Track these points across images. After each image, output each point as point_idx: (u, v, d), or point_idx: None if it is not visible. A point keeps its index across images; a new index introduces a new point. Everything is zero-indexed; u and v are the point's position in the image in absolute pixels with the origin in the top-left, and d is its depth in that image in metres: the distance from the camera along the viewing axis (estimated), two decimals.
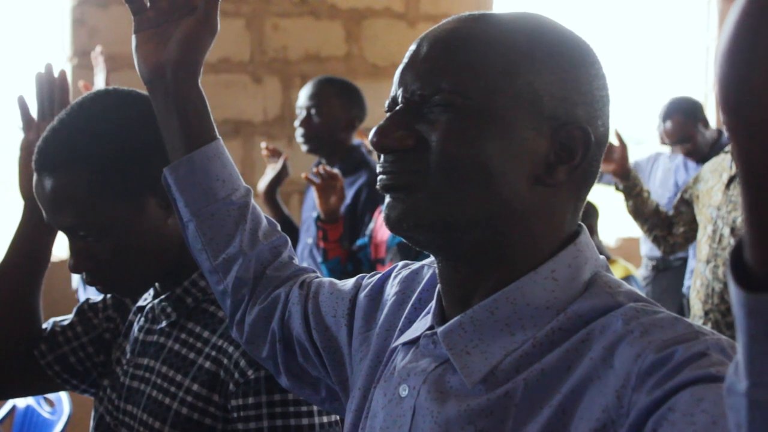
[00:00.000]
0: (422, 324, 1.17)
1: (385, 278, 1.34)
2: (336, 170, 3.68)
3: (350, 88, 4.11)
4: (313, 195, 3.92)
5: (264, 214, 1.47)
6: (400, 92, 1.09)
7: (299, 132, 4.00)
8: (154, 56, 1.40)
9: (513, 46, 1.06)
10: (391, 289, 1.31)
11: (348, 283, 1.39)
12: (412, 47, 1.11)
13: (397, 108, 1.09)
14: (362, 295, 1.34)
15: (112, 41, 5.28)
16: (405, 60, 1.11)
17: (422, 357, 1.12)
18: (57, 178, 1.60)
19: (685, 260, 5.28)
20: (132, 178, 1.59)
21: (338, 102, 3.99)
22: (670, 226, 4.02)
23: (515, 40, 1.06)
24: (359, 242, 3.66)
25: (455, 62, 1.05)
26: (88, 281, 1.68)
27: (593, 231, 4.42)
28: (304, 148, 4.04)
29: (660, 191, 5.66)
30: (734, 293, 0.58)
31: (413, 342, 1.16)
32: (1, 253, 1.92)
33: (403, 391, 1.12)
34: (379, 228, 3.55)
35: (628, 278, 4.13)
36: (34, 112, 1.94)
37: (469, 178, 1.04)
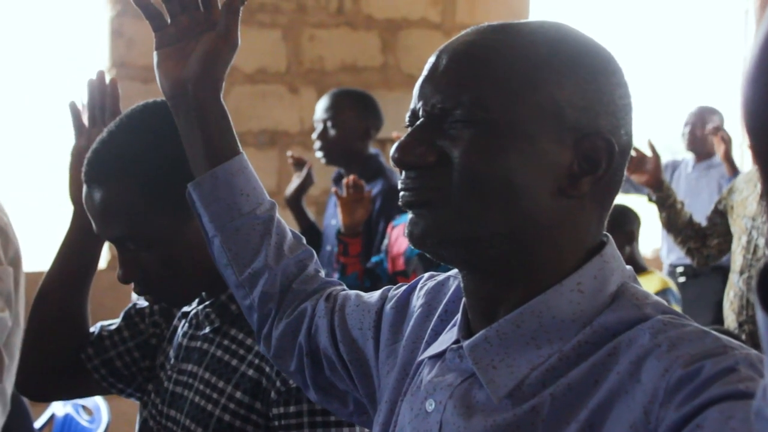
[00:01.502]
0: (448, 337, 1.16)
1: (411, 290, 1.34)
2: (363, 181, 3.71)
3: (364, 97, 4.17)
4: (334, 202, 3.97)
5: (289, 227, 1.47)
6: (420, 105, 1.09)
7: (317, 145, 4.07)
8: (175, 72, 1.40)
9: (533, 57, 1.05)
10: (417, 301, 1.30)
11: (374, 296, 1.39)
12: (431, 59, 1.10)
13: (418, 123, 1.08)
14: (388, 307, 1.34)
15: (150, 52, 5.30)
16: (424, 73, 1.10)
17: (448, 371, 1.12)
18: (106, 190, 1.62)
19: (714, 268, 5.22)
20: (179, 189, 1.59)
21: (353, 112, 4.05)
22: (704, 238, 3.99)
23: (535, 51, 1.05)
24: (374, 259, 3.67)
25: (475, 75, 1.05)
26: (137, 291, 1.71)
27: (634, 238, 4.36)
28: (322, 160, 4.11)
29: (687, 200, 5.66)
30: (761, 318, 0.56)
31: (439, 356, 1.15)
32: (50, 259, 1.94)
33: (430, 405, 1.11)
34: (395, 242, 3.56)
35: (665, 291, 4.08)
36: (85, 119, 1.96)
37: (493, 194, 1.03)
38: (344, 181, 3.69)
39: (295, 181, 4.14)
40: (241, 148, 1.42)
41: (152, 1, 1.42)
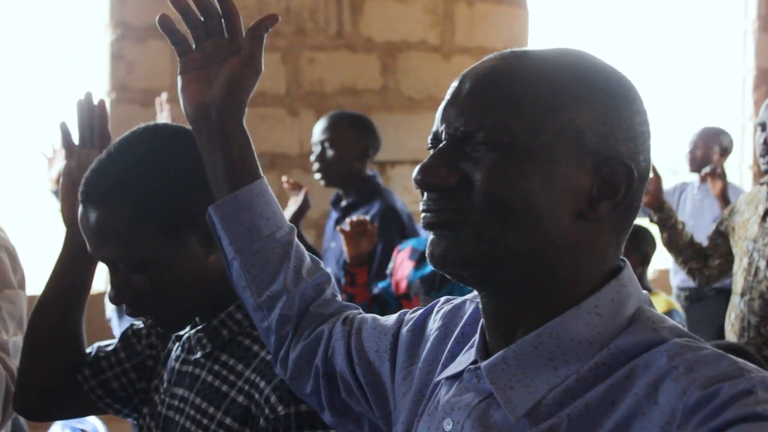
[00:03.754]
0: (465, 358, 1.17)
1: (428, 313, 1.35)
2: (367, 216, 3.72)
3: (361, 119, 4.20)
4: (332, 224, 3.99)
5: (307, 252, 1.48)
6: (443, 128, 1.10)
7: (315, 167, 4.08)
8: (199, 96, 1.41)
9: (555, 83, 1.06)
10: (434, 324, 1.31)
11: (390, 319, 1.40)
12: (455, 84, 1.12)
13: (441, 145, 1.10)
14: (405, 330, 1.34)
15: (150, 75, 5.34)
16: (447, 97, 1.11)
17: (466, 391, 1.13)
18: (101, 211, 1.62)
19: (719, 290, 5.22)
20: (174, 215, 1.60)
21: (350, 134, 4.07)
22: (705, 258, 3.99)
23: (558, 77, 1.07)
24: (381, 284, 3.67)
25: (498, 99, 1.06)
26: (128, 312, 1.70)
27: (648, 261, 4.35)
28: (321, 182, 4.11)
29: (692, 222, 5.64)
30: None
31: (457, 376, 1.17)
32: (43, 281, 1.93)
33: (448, 425, 1.12)
34: (399, 265, 3.57)
35: (671, 312, 4.08)
36: (75, 140, 1.96)
37: (513, 216, 1.04)
38: (347, 220, 3.70)
39: (292, 206, 4.13)
40: (261, 172, 1.44)
41: (177, 27, 1.43)
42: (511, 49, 1.13)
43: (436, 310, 1.34)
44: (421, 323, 1.34)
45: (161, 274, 1.64)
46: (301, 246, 1.46)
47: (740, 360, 0.96)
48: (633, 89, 1.11)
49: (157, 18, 1.41)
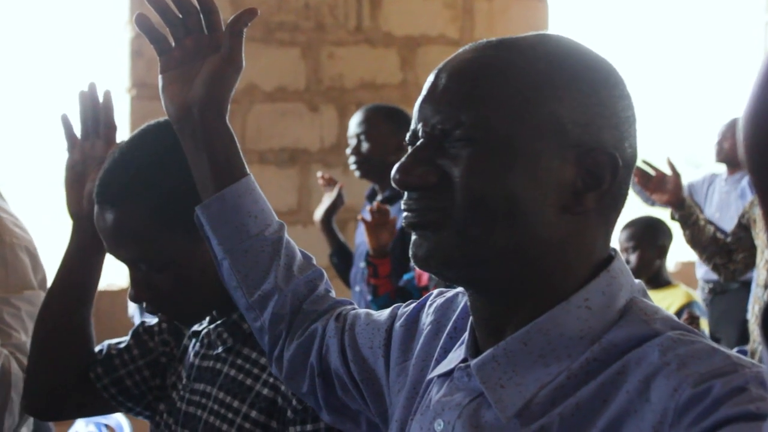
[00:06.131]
0: (457, 355, 1.15)
1: (420, 307, 1.33)
2: (388, 206, 3.71)
3: (398, 112, 4.15)
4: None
5: (299, 247, 1.46)
6: (420, 126, 1.08)
7: (351, 159, 4.06)
8: (180, 96, 1.40)
9: (532, 74, 1.04)
10: (427, 318, 1.29)
11: (384, 314, 1.38)
12: (430, 78, 1.10)
13: (419, 143, 1.08)
14: (398, 324, 1.33)
15: None
16: (423, 92, 1.10)
17: (457, 390, 1.11)
18: (118, 211, 1.61)
19: (743, 283, 5.18)
20: (191, 210, 1.60)
21: (386, 127, 4.04)
22: (729, 253, 3.95)
23: (535, 68, 1.05)
24: (406, 276, 3.67)
25: (474, 94, 1.04)
26: (148, 310, 1.70)
27: (665, 252, 4.32)
28: (356, 174, 4.09)
29: (718, 215, 5.59)
30: (765, 355, 0.55)
31: (448, 374, 1.14)
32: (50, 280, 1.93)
33: (438, 425, 1.10)
34: None
35: (690, 304, 4.06)
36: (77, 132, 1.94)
37: (496, 214, 1.02)
38: (368, 207, 3.70)
39: (326, 201, 4.14)
40: (248, 169, 1.42)
41: (156, 25, 1.42)
42: (487, 39, 1.11)
43: (428, 303, 1.32)
44: (414, 317, 1.32)
45: (182, 270, 1.64)
46: (292, 242, 1.44)
47: (734, 354, 0.94)
48: (614, 74, 1.08)
49: (134, 16, 1.40)
